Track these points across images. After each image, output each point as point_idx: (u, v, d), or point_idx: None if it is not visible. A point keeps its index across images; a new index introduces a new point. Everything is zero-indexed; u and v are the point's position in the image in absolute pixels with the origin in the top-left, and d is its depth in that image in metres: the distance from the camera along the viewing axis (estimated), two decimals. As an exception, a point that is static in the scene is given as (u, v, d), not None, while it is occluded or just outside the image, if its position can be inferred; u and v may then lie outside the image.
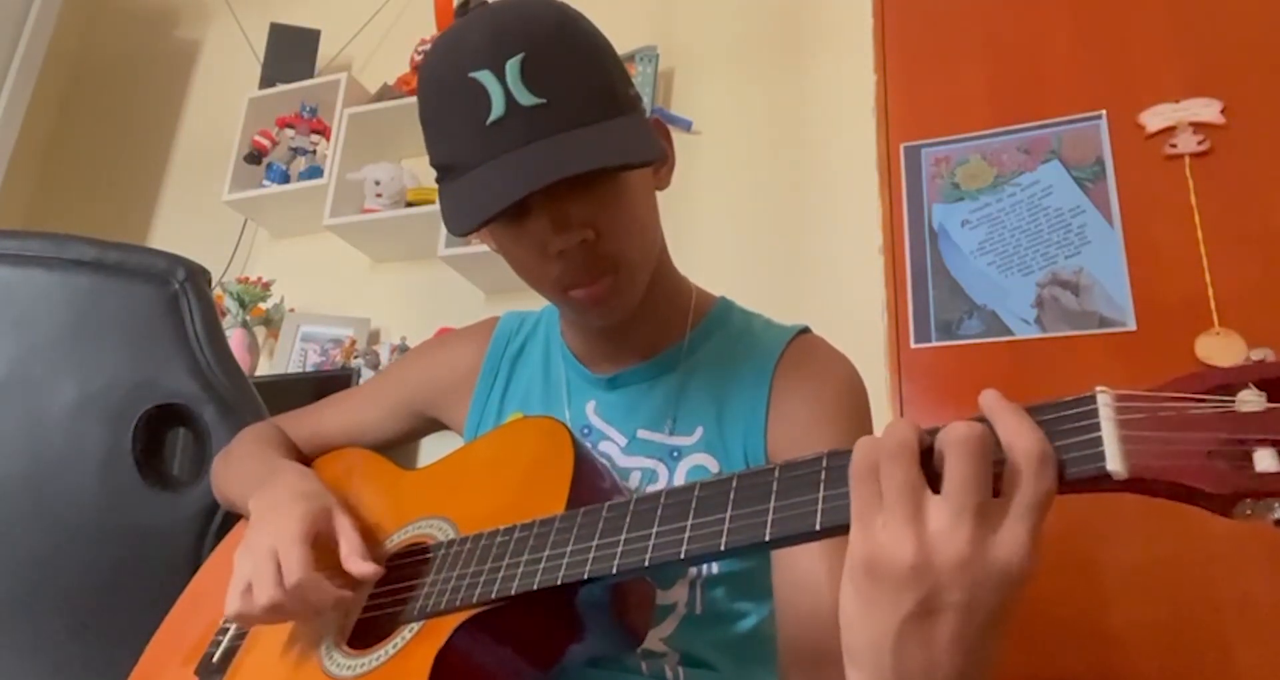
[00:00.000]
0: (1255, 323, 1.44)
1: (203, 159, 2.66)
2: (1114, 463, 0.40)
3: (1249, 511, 0.38)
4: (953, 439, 0.42)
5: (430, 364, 0.97)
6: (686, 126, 2.08)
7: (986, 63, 1.81)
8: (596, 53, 0.71)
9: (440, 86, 0.70)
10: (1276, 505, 0.37)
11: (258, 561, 0.67)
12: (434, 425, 0.96)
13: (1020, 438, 0.42)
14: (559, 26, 0.69)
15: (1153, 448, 0.40)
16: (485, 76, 0.66)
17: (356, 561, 0.68)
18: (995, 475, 0.42)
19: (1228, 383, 0.40)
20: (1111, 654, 1.37)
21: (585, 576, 0.56)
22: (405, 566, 0.69)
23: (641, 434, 0.80)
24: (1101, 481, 0.41)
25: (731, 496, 0.52)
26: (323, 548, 0.70)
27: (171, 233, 2.67)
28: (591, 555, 0.56)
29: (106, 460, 1.03)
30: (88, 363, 1.06)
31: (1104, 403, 0.41)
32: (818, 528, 0.47)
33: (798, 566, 0.70)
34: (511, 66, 0.66)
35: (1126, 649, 1.37)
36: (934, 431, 0.44)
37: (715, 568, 0.75)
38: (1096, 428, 0.41)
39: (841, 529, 0.46)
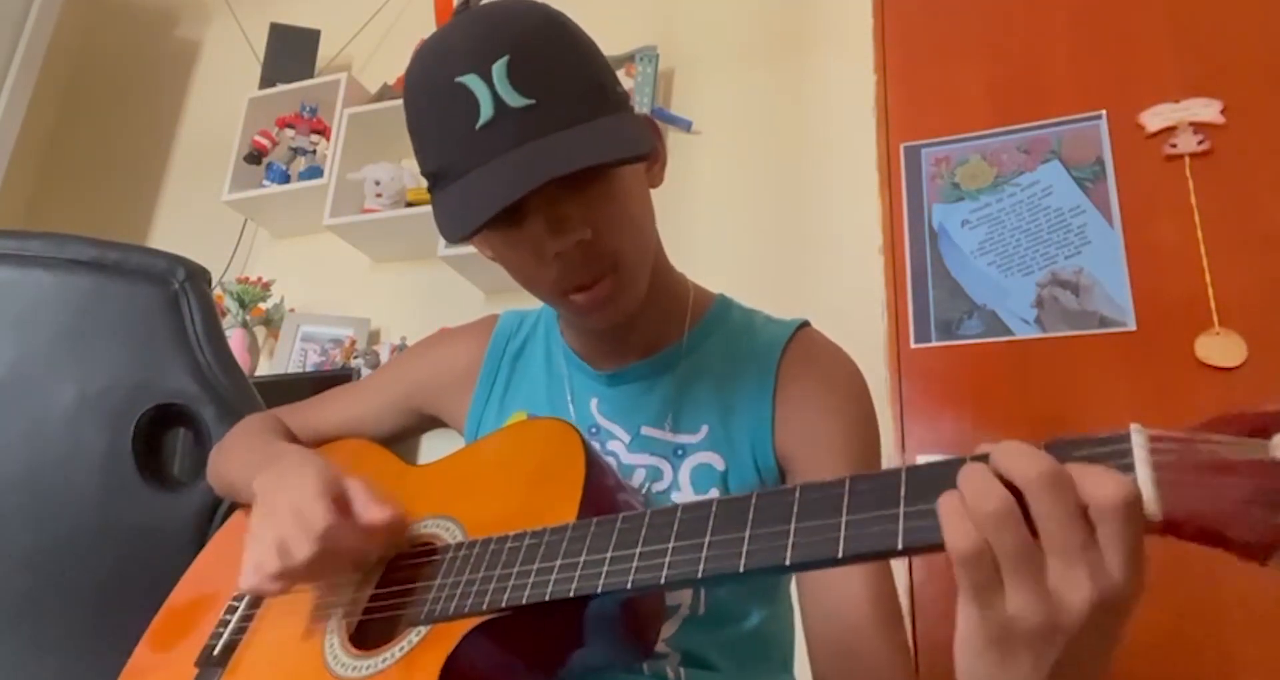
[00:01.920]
0: (1255, 323, 1.44)
1: (203, 159, 2.66)
2: (1149, 505, 0.39)
3: None
4: (1037, 484, 0.40)
5: (429, 362, 0.97)
6: (686, 126, 2.08)
7: (986, 63, 1.81)
8: (582, 51, 0.71)
9: (427, 93, 0.69)
10: None
11: (282, 521, 0.65)
12: (432, 422, 0.96)
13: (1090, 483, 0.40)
14: (543, 27, 0.69)
15: (1188, 491, 0.39)
16: (472, 80, 0.65)
17: (374, 509, 0.67)
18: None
19: (1264, 426, 0.39)
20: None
21: (599, 590, 0.55)
22: (411, 567, 0.69)
23: (645, 431, 0.80)
24: None
25: (751, 515, 0.50)
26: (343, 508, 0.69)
27: (171, 233, 2.67)
28: (605, 568, 0.55)
29: (106, 460, 1.03)
30: (88, 363, 1.06)
31: (1139, 443, 0.40)
32: (840, 556, 0.46)
33: (830, 588, 0.70)
34: (498, 69, 0.65)
35: (1126, 649, 1.36)
36: (984, 457, 0.43)
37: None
38: (1131, 468, 0.40)
39: (862, 558, 0.45)
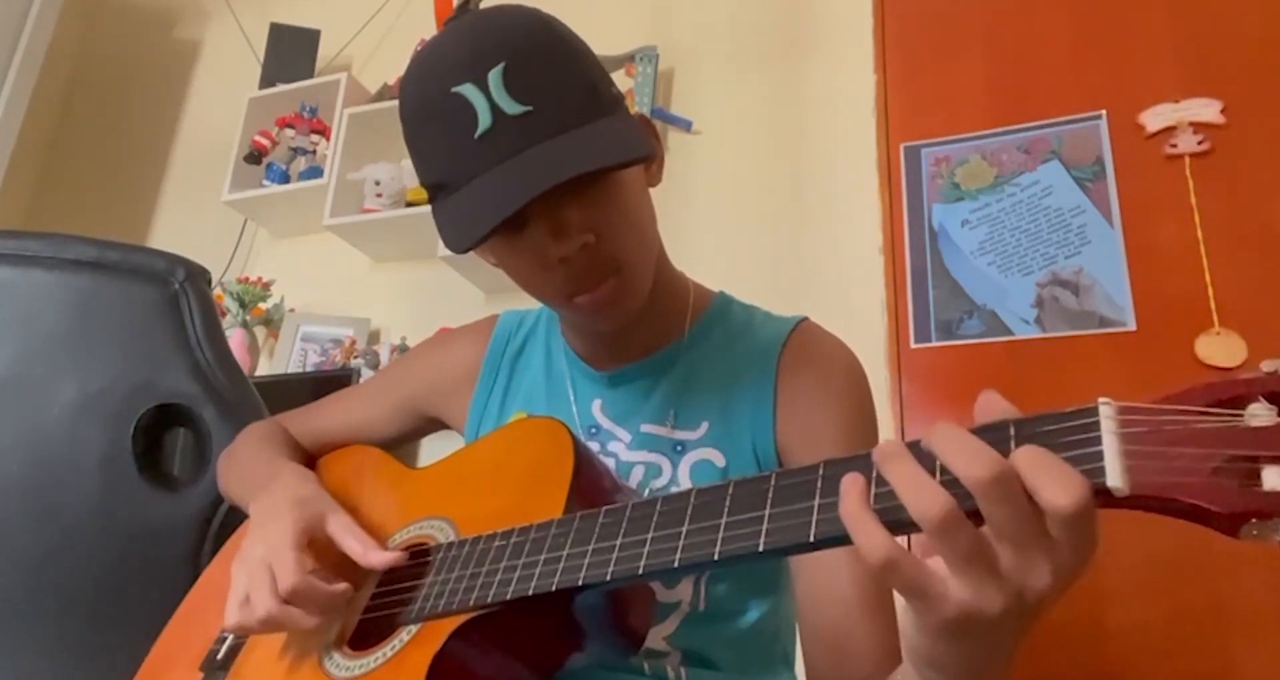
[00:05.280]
0: (1255, 323, 1.44)
1: (203, 159, 2.66)
2: (1115, 478, 0.38)
3: (1255, 532, 0.37)
4: (984, 487, 0.39)
5: (430, 364, 0.97)
6: (686, 126, 2.08)
7: (986, 63, 1.81)
8: (576, 55, 0.71)
9: (423, 105, 0.69)
10: None
11: (252, 572, 0.66)
12: (435, 425, 0.96)
13: (1048, 483, 0.39)
14: (535, 33, 0.69)
15: (1156, 463, 0.38)
16: (468, 90, 0.66)
17: (374, 554, 0.67)
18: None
19: (1237, 395, 0.38)
20: (1111, 654, 1.37)
21: (580, 583, 0.55)
22: (406, 567, 0.69)
23: (645, 428, 0.80)
24: (1101, 497, 0.39)
25: (727, 504, 0.51)
26: (321, 551, 0.70)
27: (171, 233, 2.67)
28: (586, 561, 0.56)
29: (106, 460, 1.03)
30: (88, 363, 1.06)
31: (1106, 415, 0.40)
32: (811, 539, 0.46)
33: (819, 578, 0.70)
34: (493, 77, 0.65)
35: (1126, 649, 1.36)
36: (914, 445, 0.43)
37: (719, 565, 0.75)
38: (1098, 441, 0.39)
39: (836, 542, 0.45)
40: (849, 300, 1.76)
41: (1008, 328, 1.62)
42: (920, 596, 0.41)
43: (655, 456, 0.79)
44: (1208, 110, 1.58)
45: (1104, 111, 1.67)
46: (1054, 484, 0.38)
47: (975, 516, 0.40)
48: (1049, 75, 1.75)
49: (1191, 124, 1.59)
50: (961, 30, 1.86)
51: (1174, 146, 1.59)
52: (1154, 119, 1.62)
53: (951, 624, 0.42)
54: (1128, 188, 1.61)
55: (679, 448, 0.79)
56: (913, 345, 1.67)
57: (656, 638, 0.73)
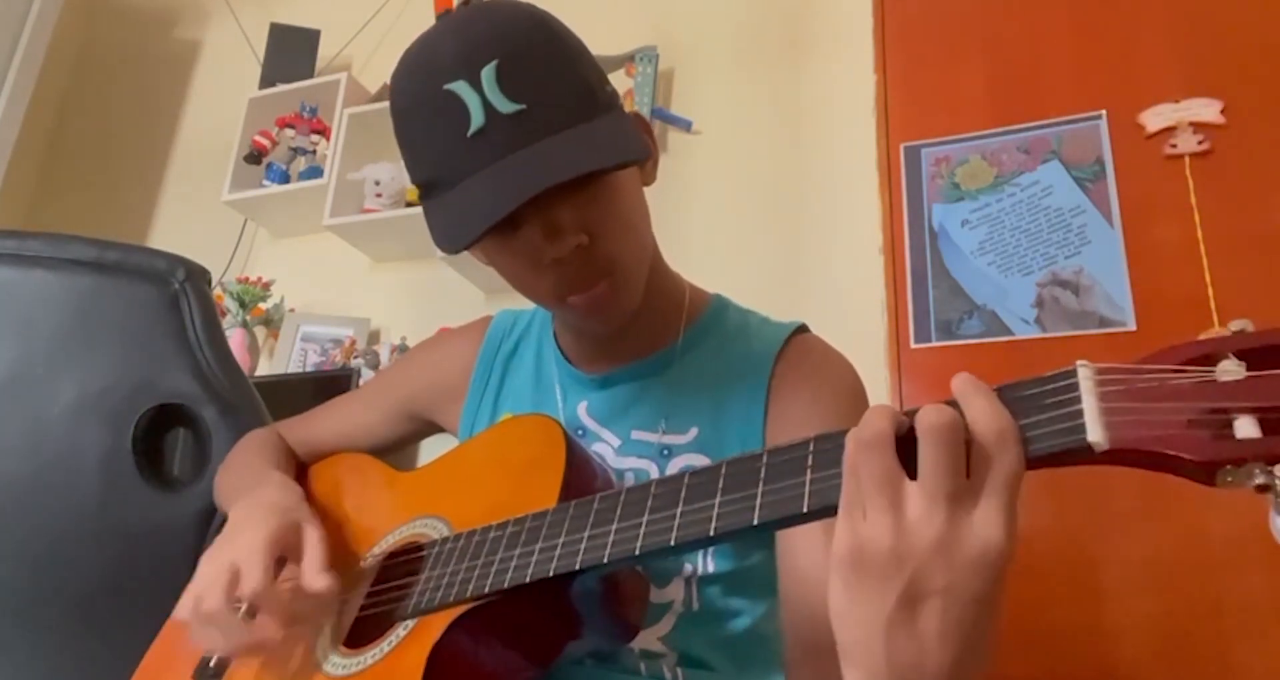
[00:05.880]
0: (1255, 323, 1.44)
1: (203, 159, 2.66)
2: (1095, 434, 0.40)
3: (1230, 478, 0.39)
4: (924, 425, 0.43)
5: (425, 366, 0.96)
6: (686, 126, 2.08)
7: (986, 63, 1.81)
8: (571, 52, 0.70)
9: (415, 102, 0.69)
10: (1257, 471, 0.38)
11: (215, 573, 0.65)
12: (431, 428, 0.96)
13: (981, 416, 0.43)
14: (530, 29, 0.68)
15: (1133, 418, 0.40)
16: (461, 87, 0.65)
17: (314, 575, 0.66)
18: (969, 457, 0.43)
19: (1208, 353, 0.41)
20: (1111, 654, 1.37)
21: (578, 567, 0.56)
22: (400, 565, 0.69)
23: (635, 435, 0.80)
24: (1083, 453, 0.41)
25: (721, 483, 0.52)
26: (295, 561, 0.69)
27: (171, 233, 2.67)
28: (583, 545, 0.56)
29: (107, 460, 1.03)
30: (88, 363, 1.06)
31: (1085, 376, 0.42)
32: (805, 510, 0.47)
33: (802, 559, 0.70)
34: (487, 74, 0.65)
35: (1126, 649, 1.37)
36: (912, 413, 0.45)
37: (711, 566, 0.75)
38: (1078, 400, 0.41)
39: (829, 511, 0.47)
40: (849, 300, 1.76)
41: (1008, 328, 1.62)
42: (848, 507, 0.45)
43: (643, 462, 0.78)
44: (1208, 110, 1.58)
45: (1104, 111, 1.68)
46: (984, 405, 0.43)
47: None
48: (1049, 75, 1.75)
49: (1191, 124, 1.59)
50: (961, 30, 1.86)
51: (1174, 146, 1.59)
52: (1154, 119, 1.62)
53: (847, 556, 0.44)
54: (1128, 188, 1.61)
55: (665, 452, 0.78)
56: (913, 345, 1.67)
57: (652, 638, 0.73)
